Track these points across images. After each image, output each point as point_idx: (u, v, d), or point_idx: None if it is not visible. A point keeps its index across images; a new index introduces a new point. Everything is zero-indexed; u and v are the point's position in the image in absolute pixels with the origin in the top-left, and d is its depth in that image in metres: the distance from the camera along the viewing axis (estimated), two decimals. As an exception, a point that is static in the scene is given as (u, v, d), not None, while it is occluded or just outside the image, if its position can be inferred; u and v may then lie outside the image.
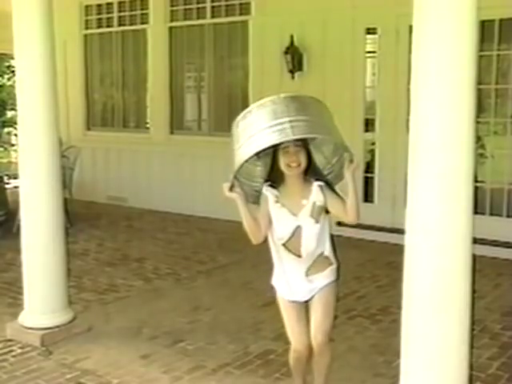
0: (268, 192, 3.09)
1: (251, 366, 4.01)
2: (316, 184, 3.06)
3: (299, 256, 3.09)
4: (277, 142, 2.86)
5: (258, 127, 2.85)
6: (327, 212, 3.11)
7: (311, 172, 3.08)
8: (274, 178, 3.09)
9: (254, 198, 3.18)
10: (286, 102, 2.90)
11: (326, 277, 3.15)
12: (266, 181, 3.13)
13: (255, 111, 2.92)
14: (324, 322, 3.14)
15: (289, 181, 3.08)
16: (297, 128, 2.82)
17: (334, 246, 3.19)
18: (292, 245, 3.09)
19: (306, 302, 3.19)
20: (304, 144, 3.02)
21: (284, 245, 3.11)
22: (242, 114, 2.96)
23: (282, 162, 3.01)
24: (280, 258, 3.16)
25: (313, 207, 3.05)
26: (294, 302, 3.19)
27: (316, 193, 3.06)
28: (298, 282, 3.14)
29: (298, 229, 3.06)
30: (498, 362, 4.05)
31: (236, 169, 2.95)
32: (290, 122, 2.81)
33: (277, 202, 3.07)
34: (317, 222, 3.06)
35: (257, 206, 3.13)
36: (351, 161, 2.98)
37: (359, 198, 3.06)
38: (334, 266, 3.18)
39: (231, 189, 2.99)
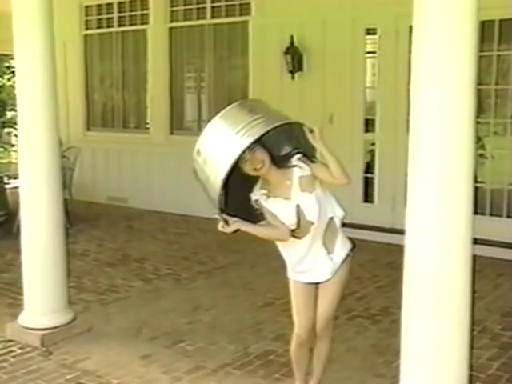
0: (256, 197, 3.12)
1: (251, 367, 4.01)
2: (295, 158, 3.08)
3: (312, 224, 3.09)
4: (239, 152, 2.86)
5: (213, 157, 2.91)
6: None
7: (278, 159, 3.10)
8: (255, 182, 3.11)
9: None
10: (219, 125, 2.97)
11: (342, 247, 3.17)
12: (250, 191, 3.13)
13: (203, 146, 2.98)
14: (329, 309, 3.25)
15: (266, 177, 3.11)
16: (241, 140, 2.84)
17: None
18: (303, 228, 3.09)
19: (318, 283, 3.22)
20: (255, 143, 2.95)
21: (295, 236, 3.11)
22: (195, 151, 3.01)
23: (249, 170, 3.03)
24: (293, 246, 3.14)
25: (300, 181, 3.07)
26: (308, 284, 3.22)
27: (299, 165, 3.07)
28: (322, 262, 3.15)
29: (298, 208, 3.08)
30: (498, 362, 4.04)
31: (218, 205, 2.96)
32: (237, 133, 2.85)
33: (268, 197, 3.10)
34: (310, 192, 3.07)
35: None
36: (311, 131, 3.01)
37: (339, 161, 3.03)
38: (341, 233, 3.18)
39: (227, 224, 2.97)
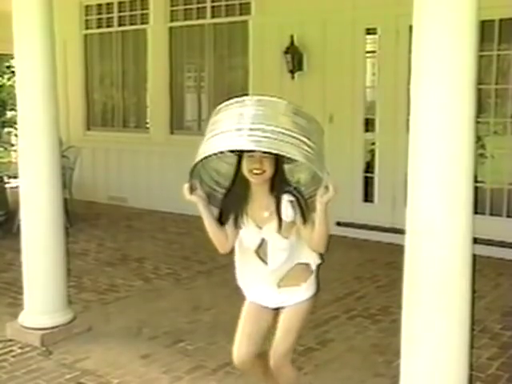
0: None
1: (251, 366, 4.01)
2: (286, 199, 2.79)
3: (267, 264, 2.90)
4: (231, 148, 2.66)
5: (223, 127, 2.62)
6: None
7: (279, 182, 2.81)
8: (239, 182, 2.85)
9: (217, 201, 2.96)
10: (261, 107, 2.62)
11: (301, 292, 2.92)
12: (231, 185, 2.89)
13: (223, 109, 2.69)
14: (281, 345, 2.92)
15: (253, 188, 2.84)
16: (259, 141, 2.52)
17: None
18: (261, 252, 2.90)
19: (276, 309, 2.97)
20: (274, 154, 2.66)
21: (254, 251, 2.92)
22: (222, 105, 2.73)
23: (245, 167, 2.76)
24: (247, 260, 2.95)
25: (280, 224, 2.81)
26: (255, 305, 3.00)
27: (285, 208, 2.79)
28: (266, 290, 2.94)
29: (263, 241, 2.87)
30: (498, 362, 4.04)
31: (191, 168, 2.75)
32: (251, 130, 2.53)
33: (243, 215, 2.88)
34: (285, 238, 2.83)
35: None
36: (326, 187, 2.63)
37: (327, 231, 2.73)
38: (313, 277, 2.93)
39: (192, 191, 2.81)
